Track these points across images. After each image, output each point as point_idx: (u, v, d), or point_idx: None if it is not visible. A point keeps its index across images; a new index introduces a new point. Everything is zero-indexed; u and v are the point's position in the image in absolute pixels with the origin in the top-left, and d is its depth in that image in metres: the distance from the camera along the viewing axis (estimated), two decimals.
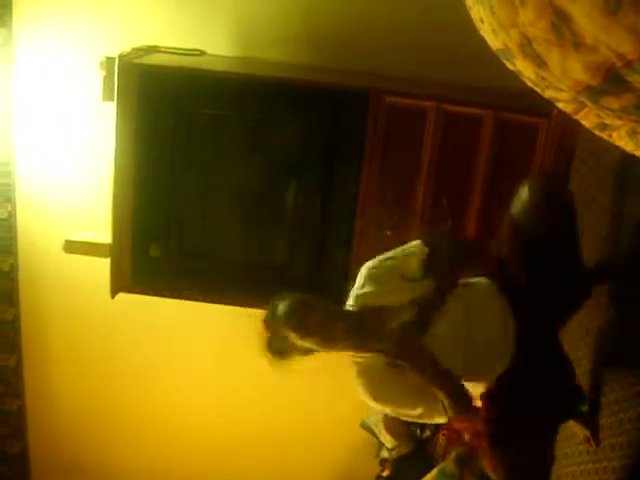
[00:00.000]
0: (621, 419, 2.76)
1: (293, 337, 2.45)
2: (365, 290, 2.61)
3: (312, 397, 4.81)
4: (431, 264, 2.62)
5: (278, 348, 2.52)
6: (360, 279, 2.66)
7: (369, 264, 2.69)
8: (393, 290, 2.60)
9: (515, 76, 1.71)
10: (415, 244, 2.72)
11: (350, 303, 2.63)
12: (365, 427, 4.84)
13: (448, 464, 2.55)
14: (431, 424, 4.78)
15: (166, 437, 5.14)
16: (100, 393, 4.93)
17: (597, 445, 2.93)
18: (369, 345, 2.54)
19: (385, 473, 4.78)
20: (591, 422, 2.99)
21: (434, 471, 2.60)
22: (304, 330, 2.44)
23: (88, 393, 4.95)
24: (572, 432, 3.11)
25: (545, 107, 2.60)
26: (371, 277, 2.64)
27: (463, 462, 2.53)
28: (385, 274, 2.64)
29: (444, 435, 4.73)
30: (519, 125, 3.70)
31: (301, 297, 2.53)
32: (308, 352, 2.53)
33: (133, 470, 5.25)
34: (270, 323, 2.51)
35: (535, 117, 3.64)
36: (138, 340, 4.66)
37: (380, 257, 2.70)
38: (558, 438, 3.34)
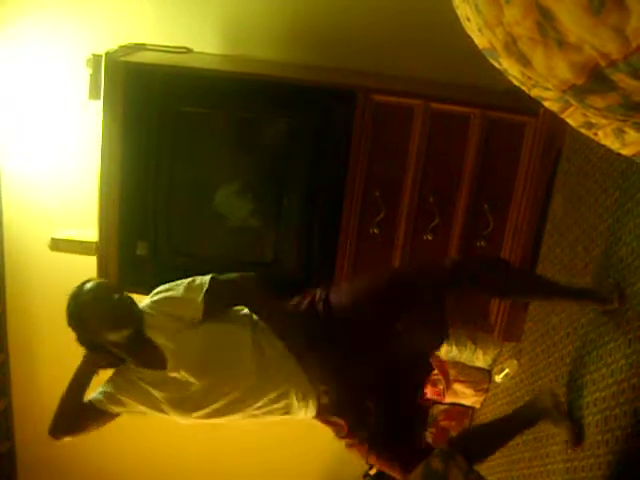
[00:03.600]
0: (607, 416, 2.77)
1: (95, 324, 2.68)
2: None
3: None
4: (208, 313, 2.75)
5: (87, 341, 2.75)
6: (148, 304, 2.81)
7: (157, 294, 2.83)
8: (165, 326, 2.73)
9: (502, 75, 1.71)
10: (202, 284, 2.79)
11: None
12: None
13: (433, 460, 2.55)
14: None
15: (154, 437, 5.12)
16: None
17: (577, 445, 2.95)
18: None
19: (373, 471, 4.79)
20: (568, 423, 3.01)
21: (419, 467, 2.60)
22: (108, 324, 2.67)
23: None
24: (557, 431, 3.12)
25: (532, 106, 2.62)
26: (153, 314, 2.76)
27: (448, 457, 2.53)
28: (164, 317, 2.75)
29: (431, 433, 4.74)
30: (506, 123, 3.70)
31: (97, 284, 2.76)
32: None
33: (120, 470, 5.24)
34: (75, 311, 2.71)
35: (522, 115, 3.65)
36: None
37: (164, 294, 2.81)
38: (542, 436, 3.35)
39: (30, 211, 4.51)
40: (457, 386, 4.48)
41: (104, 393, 2.76)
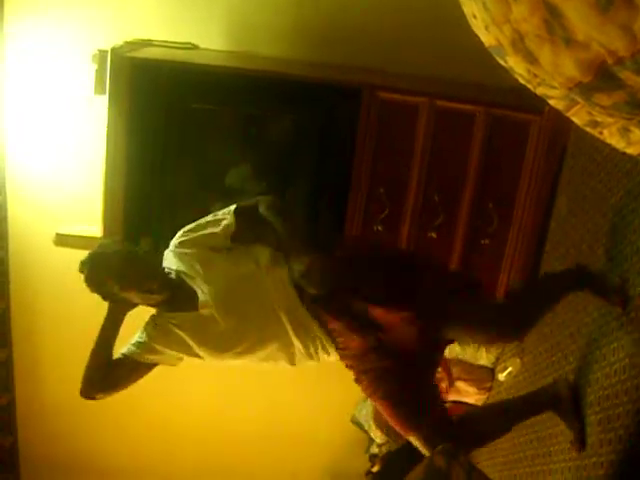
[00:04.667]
0: (609, 415, 2.77)
1: (111, 285, 2.65)
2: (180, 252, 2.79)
3: (303, 393, 4.82)
4: (237, 237, 2.77)
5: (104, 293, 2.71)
6: (176, 241, 2.83)
7: (185, 229, 2.85)
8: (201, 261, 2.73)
9: (508, 73, 1.71)
10: (227, 212, 2.82)
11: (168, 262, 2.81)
12: (355, 422, 4.85)
13: (436, 457, 2.54)
14: None
15: (158, 432, 5.14)
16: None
17: (582, 450, 2.94)
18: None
19: (375, 469, 4.80)
20: (577, 424, 3.00)
21: (422, 464, 2.59)
22: (123, 282, 2.65)
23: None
24: (560, 429, 3.12)
25: (537, 104, 2.61)
26: (184, 245, 2.79)
27: (451, 455, 2.52)
28: (195, 246, 2.78)
29: None
30: (511, 121, 3.71)
31: (121, 249, 2.74)
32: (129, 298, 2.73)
33: (123, 464, 5.24)
34: (90, 269, 2.68)
35: (527, 114, 3.66)
36: (131, 334, 4.65)
37: (193, 226, 2.84)
38: (545, 435, 3.35)
39: (35, 206, 4.52)
40: (460, 384, 4.48)
41: (138, 344, 2.73)
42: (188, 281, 2.73)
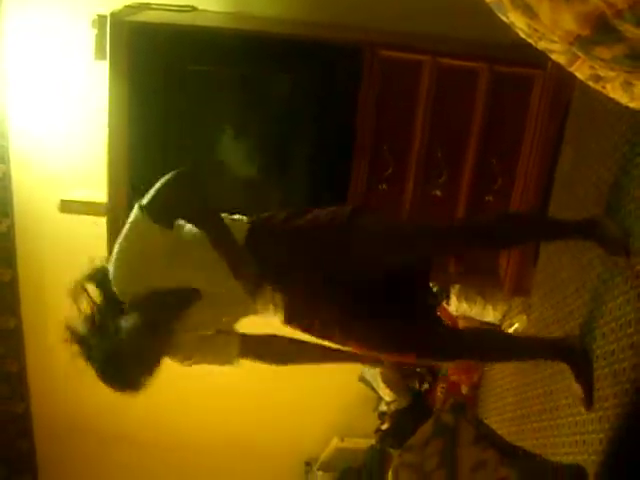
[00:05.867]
0: (615, 370, 2.78)
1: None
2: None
3: None
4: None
5: None
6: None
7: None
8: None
9: (510, 28, 1.70)
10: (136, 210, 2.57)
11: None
12: (363, 381, 4.89)
13: (444, 414, 2.57)
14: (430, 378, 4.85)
15: (168, 397, 5.17)
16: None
17: (590, 405, 2.95)
18: None
19: (384, 426, 4.84)
20: (585, 380, 3.00)
21: (430, 421, 2.62)
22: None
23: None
24: (567, 384, 3.13)
25: (540, 59, 2.59)
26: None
27: (459, 411, 2.55)
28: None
29: (442, 388, 4.78)
30: (514, 77, 3.69)
31: None
32: None
33: (134, 430, 5.30)
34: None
35: (530, 69, 3.63)
36: None
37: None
38: (553, 390, 3.37)
39: (39, 173, 4.50)
40: None
41: None
42: None
